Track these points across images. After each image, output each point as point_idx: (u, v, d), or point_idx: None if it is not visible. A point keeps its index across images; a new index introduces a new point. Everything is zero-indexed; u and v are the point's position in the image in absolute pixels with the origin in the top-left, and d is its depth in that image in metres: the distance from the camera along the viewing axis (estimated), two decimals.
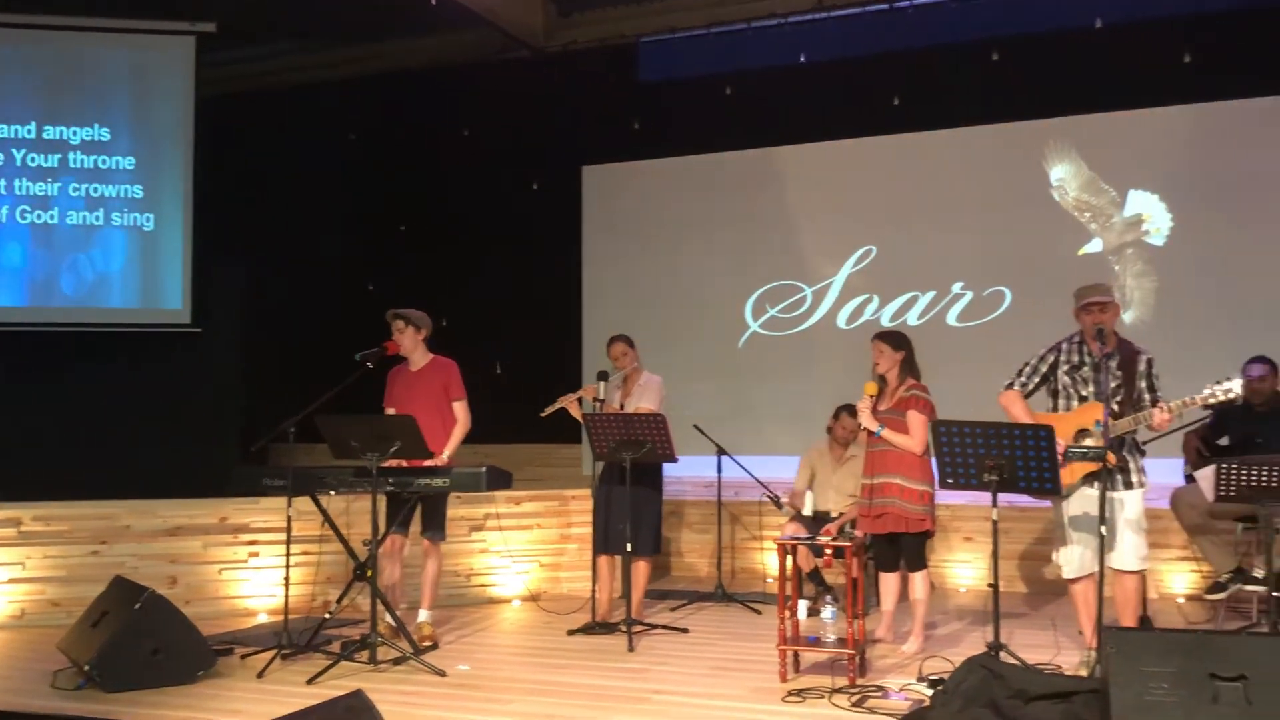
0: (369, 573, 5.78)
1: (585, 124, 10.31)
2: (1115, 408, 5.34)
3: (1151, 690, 4.04)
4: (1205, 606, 7.10)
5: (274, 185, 11.00)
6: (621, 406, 6.81)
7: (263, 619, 7.05)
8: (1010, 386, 5.68)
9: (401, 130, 11.03)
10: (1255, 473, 5.54)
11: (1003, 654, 5.16)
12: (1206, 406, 6.81)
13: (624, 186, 10.33)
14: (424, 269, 10.57)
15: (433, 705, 5.03)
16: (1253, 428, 6.69)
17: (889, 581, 6.23)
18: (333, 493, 6.03)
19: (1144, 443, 5.67)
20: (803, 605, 6.96)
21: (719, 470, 7.89)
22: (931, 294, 9.23)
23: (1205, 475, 5.86)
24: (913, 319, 9.23)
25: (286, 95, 11.16)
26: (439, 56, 10.75)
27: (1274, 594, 6.03)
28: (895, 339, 6.20)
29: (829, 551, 5.57)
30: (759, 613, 7.14)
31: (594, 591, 6.74)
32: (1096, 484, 5.23)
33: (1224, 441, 6.78)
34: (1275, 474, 5.53)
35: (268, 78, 11.26)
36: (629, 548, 6.36)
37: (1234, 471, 5.61)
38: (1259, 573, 6.11)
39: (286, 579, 6.22)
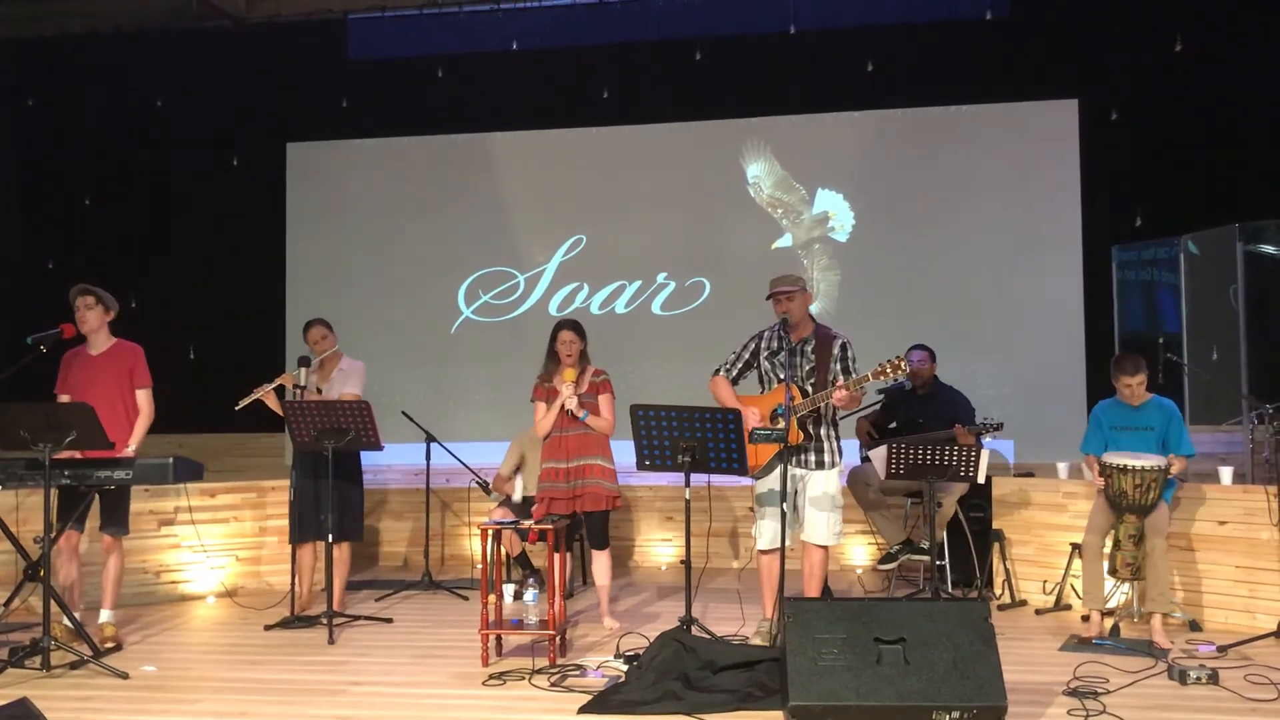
0: (41, 572, 5.38)
1: (291, 100, 9.94)
2: (809, 389, 5.68)
3: (823, 655, 4.35)
4: (879, 576, 7.70)
5: None
6: (319, 392, 6.60)
7: None
8: (718, 372, 5.94)
9: (87, 98, 10.25)
10: (919, 451, 6.10)
11: (694, 628, 5.41)
12: (881, 391, 7.42)
13: (332, 166, 10.04)
14: (112, 247, 9.91)
15: (112, 710, 4.76)
16: (915, 410, 7.33)
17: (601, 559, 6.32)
18: (1, 487, 5.57)
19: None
20: (510, 589, 7.06)
21: (428, 457, 7.82)
22: (638, 283, 9.53)
23: (878, 455, 6.37)
24: (620, 307, 9.50)
25: None
26: (129, 21, 10.05)
27: (937, 562, 6.64)
28: (580, 328, 6.32)
29: (533, 533, 5.65)
30: (466, 599, 7.14)
31: (293, 584, 6.54)
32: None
33: (893, 426, 7.36)
34: (936, 452, 6.09)
35: None
36: (330, 538, 6.21)
37: (902, 451, 6.15)
38: (924, 544, 6.67)
39: None
